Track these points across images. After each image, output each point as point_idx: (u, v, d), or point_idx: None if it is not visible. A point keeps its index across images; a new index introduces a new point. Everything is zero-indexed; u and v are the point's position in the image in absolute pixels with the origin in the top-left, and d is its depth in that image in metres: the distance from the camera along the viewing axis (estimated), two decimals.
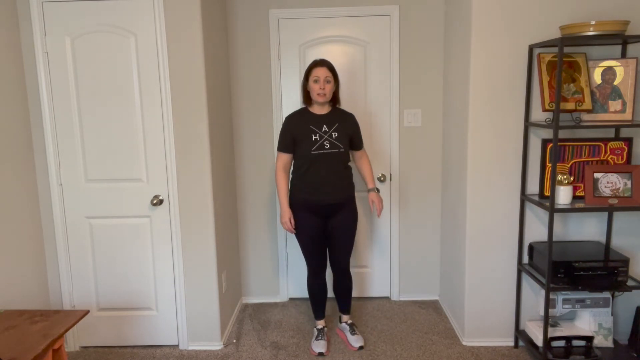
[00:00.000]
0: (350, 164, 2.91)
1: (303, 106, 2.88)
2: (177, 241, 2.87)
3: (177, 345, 3.01)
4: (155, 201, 2.81)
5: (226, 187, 3.23)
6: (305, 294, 3.65)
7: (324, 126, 2.78)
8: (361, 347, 2.95)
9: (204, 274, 2.91)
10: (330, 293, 3.60)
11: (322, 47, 3.36)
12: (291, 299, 3.68)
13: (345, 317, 3.11)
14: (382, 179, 3.49)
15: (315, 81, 2.73)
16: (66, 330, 1.96)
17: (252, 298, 3.67)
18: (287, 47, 3.37)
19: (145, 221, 2.87)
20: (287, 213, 2.82)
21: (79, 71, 2.74)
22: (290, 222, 2.82)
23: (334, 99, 2.85)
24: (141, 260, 2.91)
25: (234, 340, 3.09)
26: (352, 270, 3.60)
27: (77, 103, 2.77)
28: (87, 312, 2.13)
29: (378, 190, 2.98)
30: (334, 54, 3.36)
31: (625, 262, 2.50)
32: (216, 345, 3.00)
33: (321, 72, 2.72)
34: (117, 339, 3.00)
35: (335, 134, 2.77)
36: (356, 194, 3.29)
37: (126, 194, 2.84)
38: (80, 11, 2.68)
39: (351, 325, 3.07)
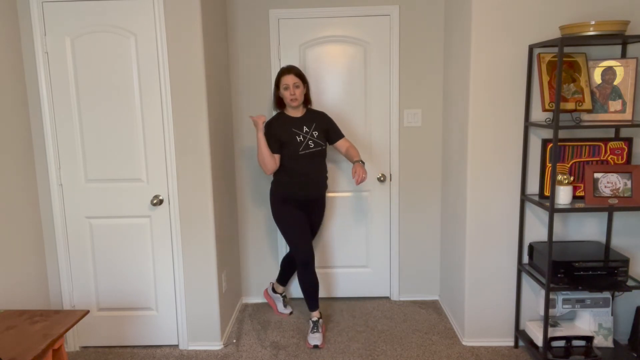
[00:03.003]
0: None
1: (278, 111, 3.05)
2: (177, 241, 2.87)
3: (177, 345, 3.01)
4: (155, 201, 2.81)
5: (226, 187, 3.23)
6: None
7: (304, 127, 2.95)
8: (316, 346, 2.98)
9: (204, 274, 2.91)
10: (333, 292, 3.61)
11: (322, 47, 3.36)
12: (291, 299, 3.67)
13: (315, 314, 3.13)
14: (382, 179, 3.49)
15: (285, 88, 2.90)
16: (66, 330, 1.96)
17: (252, 298, 3.67)
18: (287, 47, 3.37)
19: (145, 221, 2.87)
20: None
21: (79, 71, 2.74)
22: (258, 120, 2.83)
23: (306, 101, 3.02)
24: (141, 260, 2.91)
25: (234, 340, 3.09)
26: (352, 270, 3.63)
27: (77, 103, 2.77)
28: (87, 312, 2.13)
29: (363, 163, 2.96)
30: (334, 54, 3.36)
31: (625, 262, 2.50)
32: (216, 345, 3.00)
33: (289, 80, 2.89)
34: (117, 339, 3.00)
35: (315, 133, 2.95)
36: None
37: (126, 194, 2.84)
38: (80, 11, 2.68)
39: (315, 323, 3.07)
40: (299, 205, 3.00)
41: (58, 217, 2.85)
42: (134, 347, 3.02)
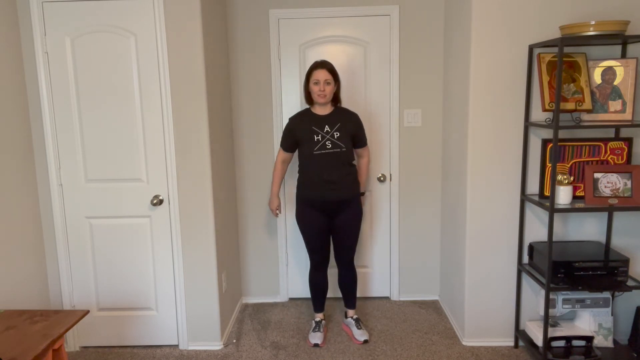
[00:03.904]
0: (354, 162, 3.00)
1: (307, 107, 2.96)
2: (177, 241, 2.87)
3: (177, 345, 3.01)
4: (155, 201, 2.81)
5: (226, 187, 3.23)
6: (305, 293, 3.65)
7: (326, 126, 2.83)
8: (366, 341, 3.00)
9: (204, 274, 2.91)
10: (336, 292, 3.61)
11: (322, 47, 3.36)
12: (291, 299, 3.68)
13: (350, 312, 3.16)
14: (382, 179, 3.49)
15: (316, 83, 2.79)
16: (66, 330, 1.96)
17: (252, 298, 3.67)
18: (287, 47, 3.37)
19: (145, 221, 2.87)
20: (276, 202, 3.07)
21: (79, 71, 2.74)
22: (276, 210, 3.09)
23: (336, 99, 2.91)
24: (141, 260, 2.91)
25: (234, 340, 3.09)
26: None
27: (77, 103, 2.77)
28: (87, 312, 2.13)
29: (363, 194, 3.12)
30: (334, 54, 3.36)
31: (625, 262, 2.50)
32: (216, 345, 3.00)
33: (321, 75, 2.78)
34: (117, 339, 3.00)
35: (337, 134, 2.83)
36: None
37: (126, 194, 2.84)
38: (80, 11, 2.68)
39: (357, 320, 3.11)
40: (319, 208, 2.89)
41: (58, 217, 2.85)
42: (134, 347, 3.02)
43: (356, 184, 2.94)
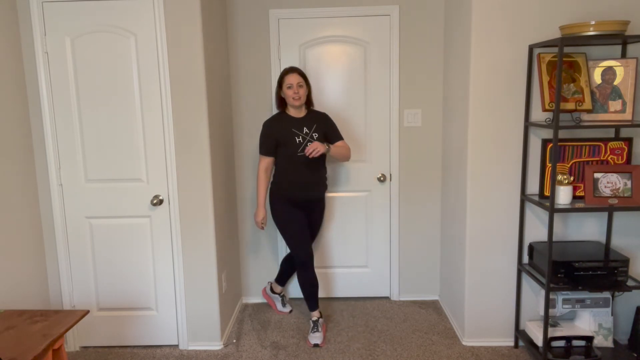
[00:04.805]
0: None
1: (278, 111, 3.04)
2: (177, 241, 2.87)
3: (177, 345, 3.01)
4: (155, 201, 2.81)
5: (226, 187, 3.23)
6: None
7: (305, 128, 2.94)
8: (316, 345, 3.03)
9: (204, 274, 2.91)
10: (333, 292, 3.61)
11: (322, 47, 3.36)
12: (291, 299, 3.68)
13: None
14: (382, 179, 3.49)
15: (289, 87, 2.89)
16: (66, 330, 1.96)
17: (252, 298, 3.67)
18: (287, 47, 3.37)
19: (145, 221, 2.87)
20: (262, 213, 3.05)
21: (79, 71, 2.74)
22: (263, 222, 3.06)
23: (308, 102, 3.02)
24: (141, 260, 2.91)
25: (234, 340, 3.09)
26: (352, 270, 3.63)
27: (77, 103, 2.77)
28: (87, 312, 2.13)
29: (328, 149, 2.91)
30: (334, 54, 3.36)
31: (625, 262, 2.50)
32: (216, 345, 3.00)
33: (293, 79, 2.88)
34: (117, 339, 3.00)
35: (315, 135, 2.94)
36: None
37: (126, 194, 2.84)
38: (80, 11, 2.68)
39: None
40: (298, 206, 3.00)
41: (58, 217, 2.85)
42: (134, 347, 3.02)
43: (326, 183, 3.12)
